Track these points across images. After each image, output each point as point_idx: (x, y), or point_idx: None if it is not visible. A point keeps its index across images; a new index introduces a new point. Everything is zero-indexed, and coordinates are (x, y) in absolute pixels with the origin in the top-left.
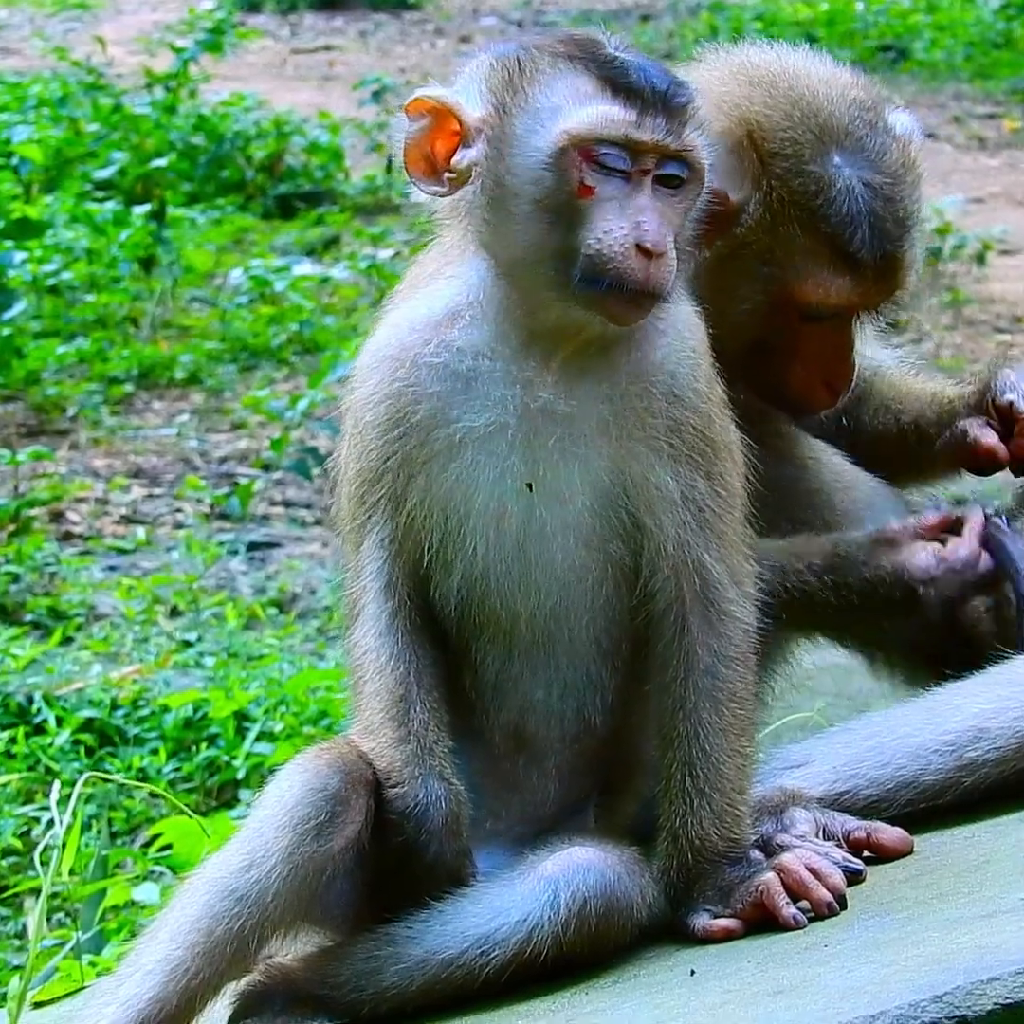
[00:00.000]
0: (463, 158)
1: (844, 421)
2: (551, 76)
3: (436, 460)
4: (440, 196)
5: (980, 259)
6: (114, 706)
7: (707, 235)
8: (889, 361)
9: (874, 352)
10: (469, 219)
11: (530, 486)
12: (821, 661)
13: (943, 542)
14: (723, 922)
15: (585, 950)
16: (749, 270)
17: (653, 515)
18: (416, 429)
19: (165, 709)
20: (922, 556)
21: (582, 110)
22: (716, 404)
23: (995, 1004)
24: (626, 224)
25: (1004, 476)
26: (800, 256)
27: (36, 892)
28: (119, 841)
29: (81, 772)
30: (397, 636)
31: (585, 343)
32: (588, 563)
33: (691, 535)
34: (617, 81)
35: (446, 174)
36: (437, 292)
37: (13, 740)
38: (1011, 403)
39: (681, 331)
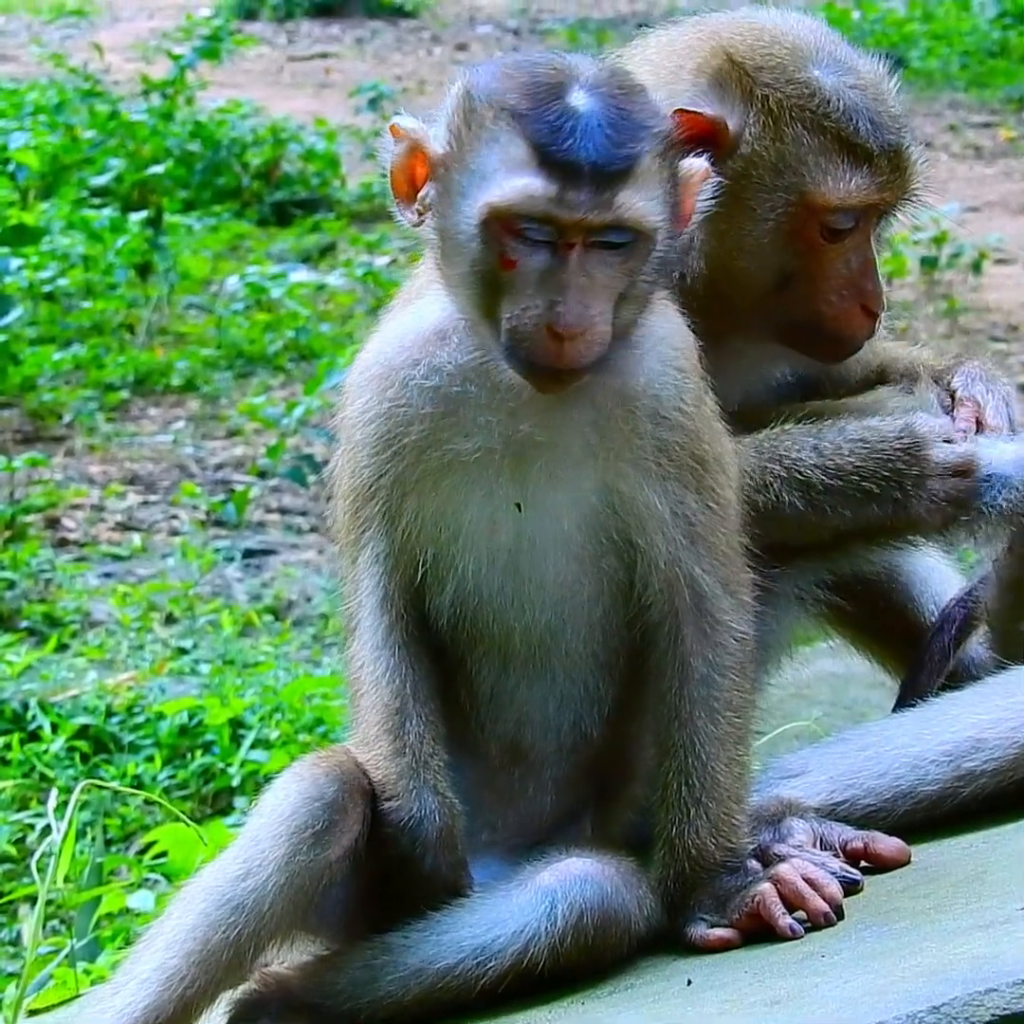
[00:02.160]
0: (428, 193)
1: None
2: (491, 135)
3: (428, 479)
4: (411, 224)
5: (976, 268)
6: (109, 713)
7: (716, 165)
8: None
9: None
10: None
11: (519, 506)
12: (817, 670)
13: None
14: (720, 932)
15: (582, 961)
16: (764, 184)
17: (643, 533)
18: (408, 450)
19: (160, 716)
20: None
21: (506, 182)
22: (705, 419)
23: (993, 1015)
24: (541, 304)
25: None
26: (813, 156)
27: (31, 899)
28: (114, 848)
29: (76, 779)
30: (393, 649)
31: None
32: (581, 578)
33: (682, 551)
34: (548, 150)
35: (416, 205)
36: (426, 308)
37: (8, 747)
38: (968, 394)
39: (665, 352)
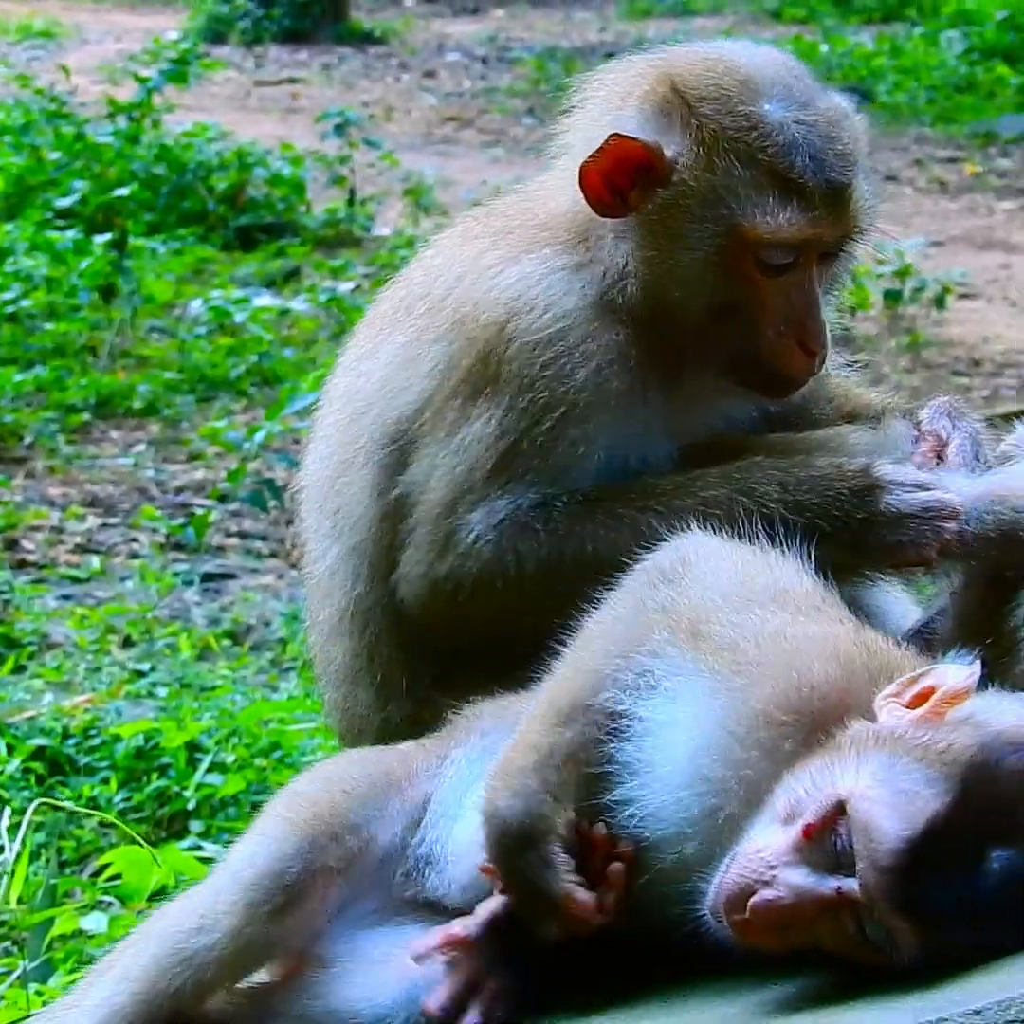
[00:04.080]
0: None
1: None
2: None
3: None
4: None
5: (940, 302)
6: (65, 735)
7: (648, 191)
8: (836, 365)
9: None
10: None
11: None
12: None
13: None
14: None
15: None
16: (694, 214)
17: None
18: None
19: (117, 739)
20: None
21: None
22: None
23: None
24: None
25: None
26: (743, 188)
27: None
28: (68, 870)
29: (31, 800)
30: None
31: None
32: None
33: None
34: None
35: None
36: None
37: None
38: (931, 428)
39: None
